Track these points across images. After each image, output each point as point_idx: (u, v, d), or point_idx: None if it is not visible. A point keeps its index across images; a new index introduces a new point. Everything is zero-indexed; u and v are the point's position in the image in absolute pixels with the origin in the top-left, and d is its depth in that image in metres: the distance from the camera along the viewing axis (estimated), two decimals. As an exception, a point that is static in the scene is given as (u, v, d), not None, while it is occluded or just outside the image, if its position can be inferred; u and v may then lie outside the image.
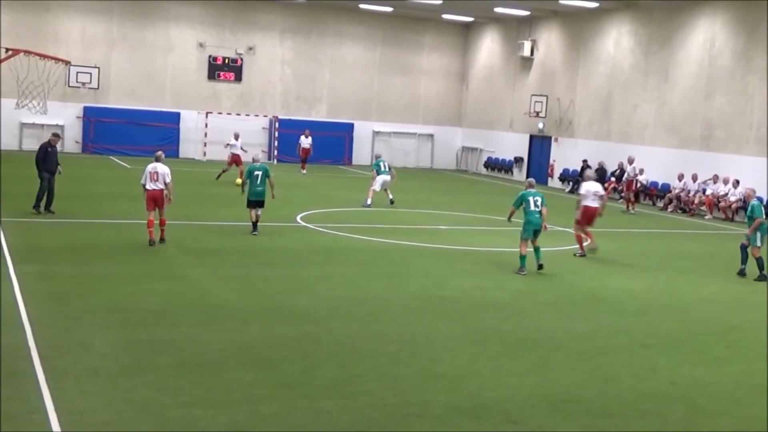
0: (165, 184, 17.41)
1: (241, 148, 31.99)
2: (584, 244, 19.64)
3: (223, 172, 31.57)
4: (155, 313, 12.23)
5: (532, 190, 17.34)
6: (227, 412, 8.46)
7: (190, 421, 8.20)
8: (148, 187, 17.36)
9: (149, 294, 13.33)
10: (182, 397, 8.80)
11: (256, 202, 19.67)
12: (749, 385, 10.45)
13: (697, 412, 9.35)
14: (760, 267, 17.89)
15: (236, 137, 32.47)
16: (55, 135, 21.42)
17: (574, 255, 19.48)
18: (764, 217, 18.02)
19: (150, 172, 17.40)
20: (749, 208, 18.30)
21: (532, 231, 16.99)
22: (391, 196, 26.92)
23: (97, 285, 13.71)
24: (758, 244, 17.93)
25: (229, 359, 10.21)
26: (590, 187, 20.02)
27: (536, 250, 17.21)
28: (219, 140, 41.42)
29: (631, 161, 31.55)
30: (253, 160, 20.20)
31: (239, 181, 31.60)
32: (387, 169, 27.09)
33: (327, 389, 9.32)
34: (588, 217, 19.75)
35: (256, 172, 19.66)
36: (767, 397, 9.89)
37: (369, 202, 26.32)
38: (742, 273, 18.17)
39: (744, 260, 18.17)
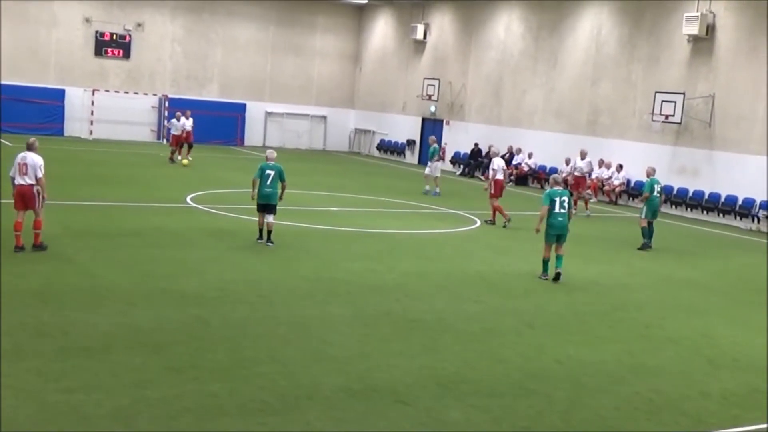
0: (36, 179, 14.47)
1: (184, 128, 32.45)
2: (494, 217, 22.18)
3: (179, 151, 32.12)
4: (37, 295, 11.84)
5: (558, 189, 15.73)
6: (113, 397, 8.25)
7: (74, 406, 7.97)
8: (16, 181, 14.47)
9: (30, 276, 12.88)
10: (65, 382, 8.54)
11: (265, 206, 16.91)
12: (630, 364, 10.80)
13: (581, 391, 9.61)
14: (644, 236, 20.23)
15: (187, 117, 32.79)
16: None
17: (503, 226, 21.88)
18: (653, 193, 20.20)
19: (19, 164, 14.45)
20: (646, 184, 20.58)
21: (555, 236, 15.41)
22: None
23: (-25, 267, 13.17)
24: (642, 215, 20.29)
25: (116, 343, 9.97)
26: (500, 163, 22.73)
27: (558, 258, 15.50)
28: (106, 119, 40.49)
29: (583, 156, 27.10)
30: (267, 159, 17.21)
31: (185, 162, 31.42)
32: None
33: (216, 372, 9.20)
34: (499, 188, 22.32)
35: (268, 171, 16.87)
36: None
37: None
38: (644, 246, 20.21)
39: (644, 235, 20.30)
